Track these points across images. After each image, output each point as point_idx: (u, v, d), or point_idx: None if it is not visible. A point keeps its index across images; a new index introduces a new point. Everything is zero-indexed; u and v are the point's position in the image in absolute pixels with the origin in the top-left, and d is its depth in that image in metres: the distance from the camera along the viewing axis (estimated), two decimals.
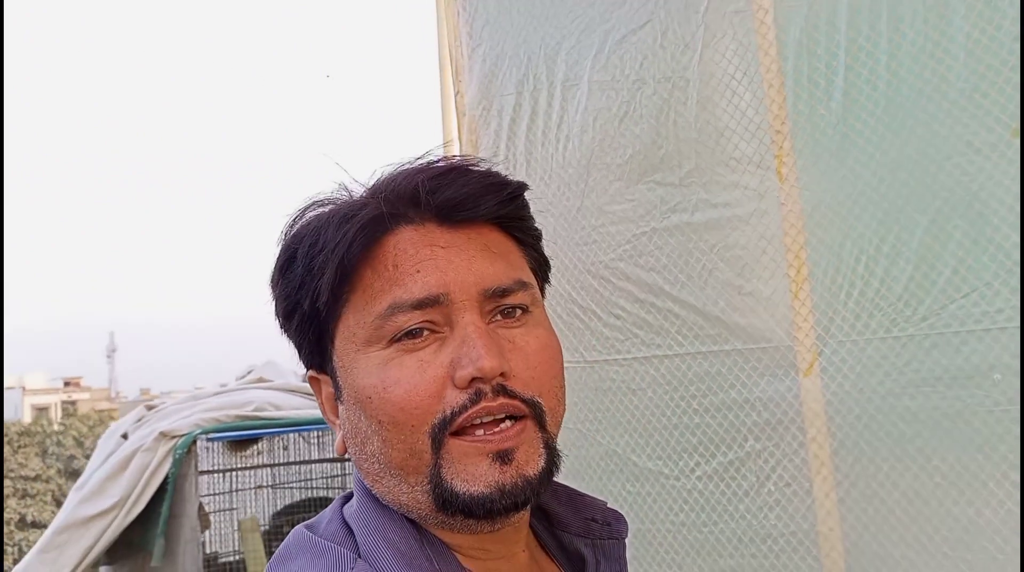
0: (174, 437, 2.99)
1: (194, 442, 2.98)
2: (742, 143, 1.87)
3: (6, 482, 23.26)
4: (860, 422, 1.81)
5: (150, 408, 3.36)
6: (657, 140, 1.95)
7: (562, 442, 2.22)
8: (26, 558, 2.98)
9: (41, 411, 39.45)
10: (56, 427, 28.81)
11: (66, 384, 47.42)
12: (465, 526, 0.76)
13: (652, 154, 1.96)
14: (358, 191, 0.82)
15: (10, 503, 22.84)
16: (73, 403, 41.43)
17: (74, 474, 26.21)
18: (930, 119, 1.69)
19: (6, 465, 23.76)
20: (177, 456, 2.95)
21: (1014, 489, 1.65)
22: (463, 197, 0.78)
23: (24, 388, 43.97)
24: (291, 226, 0.82)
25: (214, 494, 3.04)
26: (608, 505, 0.93)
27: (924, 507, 1.75)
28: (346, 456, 0.84)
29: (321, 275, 0.76)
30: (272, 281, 0.83)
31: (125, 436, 3.17)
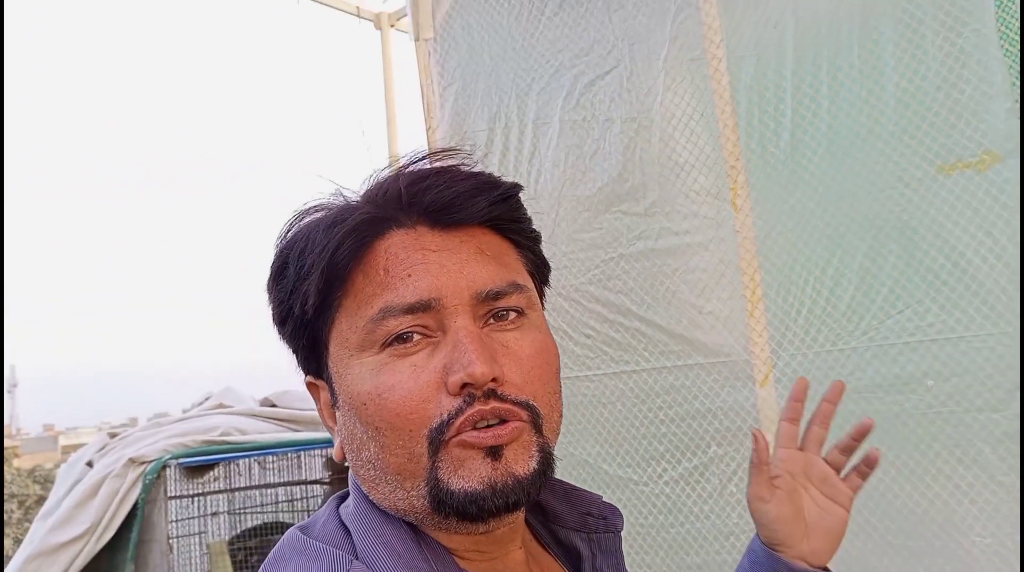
0: (143, 463, 3.02)
1: (164, 467, 3.01)
2: (700, 177, 2.05)
3: None
4: None
5: (112, 436, 3.35)
6: (623, 174, 2.12)
7: None
8: None
9: None
10: None
11: None
12: (460, 528, 0.75)
13: (619, 186, 2.13)
14: (353, 197, 0.81)
15: None
16: None
17: None
18: (866, 157, 1.89)
19: None
20: (147, 481, 2.96)
21: (948, 483, 1.84)
22: (452, 199, 0.76)
23: None
24: (286, 232, 0.81)
25: (182, 520, 3.07)
26: (603, 500, 0.92)
27: (869, 501, 1.92)
28: (344, 463, 0.82)
29: (308, 278, 0.74)
30: (268, 286, 0.82)
31: (90, 464, 3.17)
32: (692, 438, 2.11)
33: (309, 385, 0.84)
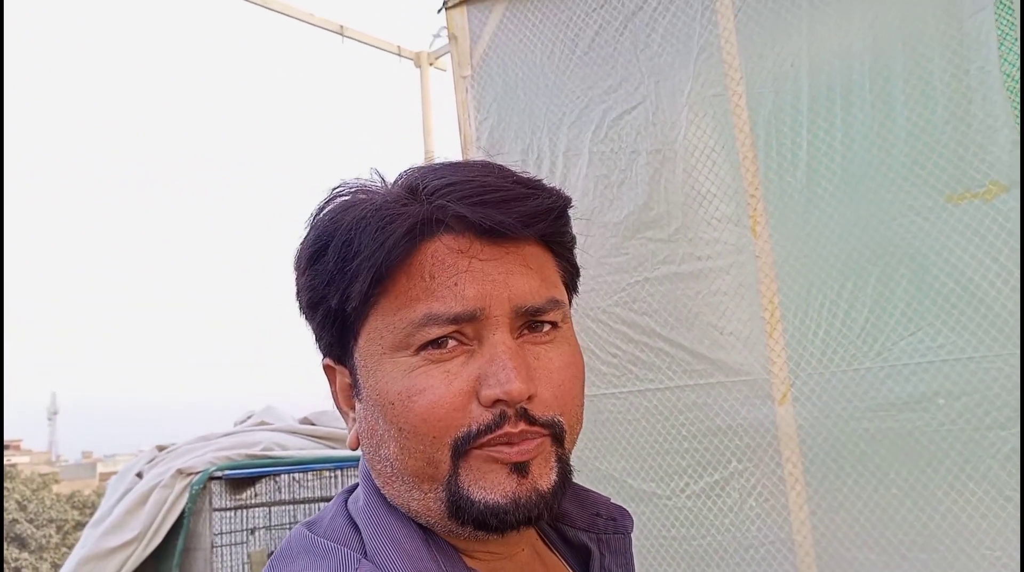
0: (190, 474, 3.18)
1: (210, 479, 3.16)
2: (721, 205, 2.17)
3: None
4: (827, 443, 2.04)
5: (161, 449, 3.53)
6: (649, 202, 2.24)
7: None
8: None
9: None
10: None
11: (5, 447, 45.80)
12: (474, 535, 0.75)
13: (645, 214, 2.25)
14: (390, 183, 0.79)
15: None
16: (13, 466, 40.02)
17: (16, 539, 25.28)
18: (878, 187, 2.00)
19: None
20: (193, 492, 3.12)
21: (959, 497, 1.92)
22: (517, 220, 0.74)
23: None
24: (321, 210, 0.78)
25: (225, 532, 3.21)
26: (612, 501, 0.93)
27: (883, 515, 1.99)
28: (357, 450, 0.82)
29: (354, 280, 0.73)
30: (298, 266, 0.79)
31: (140, 475, 3.34)
32: (713, 454, 2.20)
33: (326, 367, 0.82)
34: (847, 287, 2.03)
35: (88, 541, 3.18)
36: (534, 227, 0.75)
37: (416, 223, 0.73)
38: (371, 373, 0.75)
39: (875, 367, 2.00)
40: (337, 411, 0.85)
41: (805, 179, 2.08)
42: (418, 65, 4.75)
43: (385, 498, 0.78)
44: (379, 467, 0.76)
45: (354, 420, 0.80)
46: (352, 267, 0.73)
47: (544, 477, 0.74)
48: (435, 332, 0.72)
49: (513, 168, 0.80)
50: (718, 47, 2.18)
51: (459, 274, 0.73)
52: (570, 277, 0.84)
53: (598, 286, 2.32)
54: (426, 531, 0.76)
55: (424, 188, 0.75)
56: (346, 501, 0.82)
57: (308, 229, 0.79)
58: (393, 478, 0.75)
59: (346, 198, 0.78)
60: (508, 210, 0.74)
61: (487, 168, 0.78)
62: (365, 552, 0.74)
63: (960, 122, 1.90)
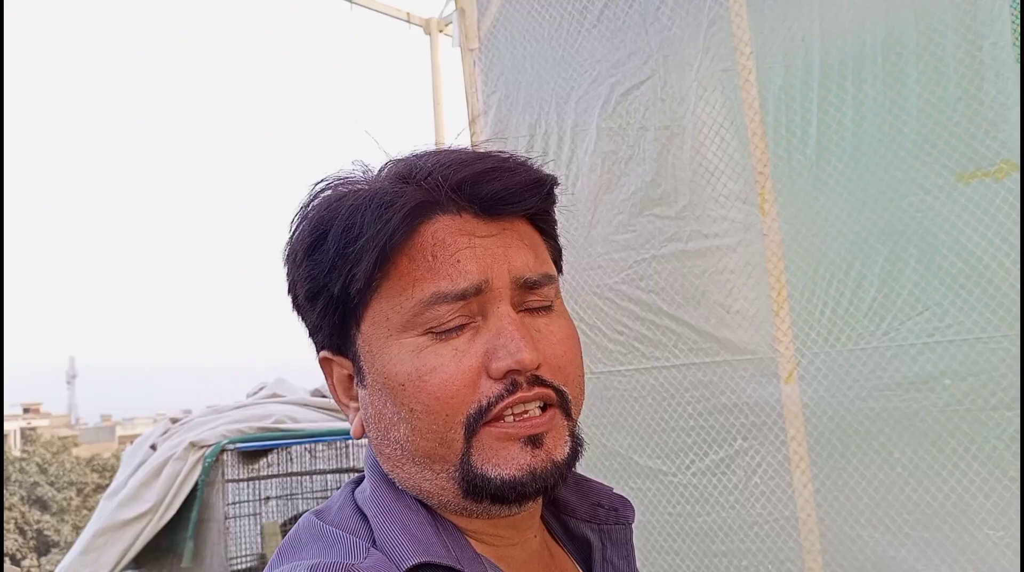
0: (202, 447, 3.22)
1: (222, 451, 3.20)
2: (730, 182, 2.15)
3: None
4: (833, 422, 2.05)
5: (174, 421, 3.57)
6: (656, 179, 2.23)
7: None
8: (67, 558, 3.17)
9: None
10: (18, 453, 28.26)
11: (25, 410, 46.47)
12: (489, 511, 0.76)
13: (652, 191, 2.24)
14: (373, 172, 0.80)
15: None
16: (33, 429, 40.69)
17: (37, 501, 25.75)
18: (888, 165, 1.98)
19: None
20: (206, 464, 3.16)
21: (963, 477, 1.92)
22: (509, 193, 0.76)
23: None
24: (311, 203, 0.79)
25: (238, 502, 3.26)
26: (614, 491, 0.93)
27: (888, 494, 2.00)
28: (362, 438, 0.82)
29: (358, 262, 0.73)
30: (292, 260, 0.79)
31: (154, 447, 3.38)
32: (719, 432, 2.21)
33: (323, 361, 0.82)
34: (855, 266, 2.02)
35: (103, 513, 3.24)
36: (528, 199, 0.77)
37: (416, 204, 0.74)
38: (377, 357, 0.75)
39: (882, 346, 2.00)
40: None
41: (815, 156, 2.06)
42: (427, 32, 4.69)
43: (393, 486, 0.78)
44: (388, 451, 0.77)
45: (355, 409, 0.80)
46: (355, 249, 0.73)
47: (559, 448, 0.75)
48: (443, 310, 0.73)
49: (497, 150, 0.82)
50: (728, 21, 2.14)
51: (459, 251, 0.74)
52: (558, 256, 0.86)
53: (605, 263, 2.31)
54: (435, 517, 0.77)
55: (416, 173, 0.77)
56: (353, 491, 0.82)
57: (300, 222, 0.79)
58: (404, 461, 0.76)
59: (337, 190, 0.78)
60: (502, 184, 0.76)
61: (472, 151, 0.80)
62: (374, 540, 0.74)
63: (972, 99, 1.87)
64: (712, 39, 2.17)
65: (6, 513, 23.26)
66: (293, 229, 0.79)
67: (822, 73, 2.04)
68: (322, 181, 0.80)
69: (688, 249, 2.21)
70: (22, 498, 24.20)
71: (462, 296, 0.73)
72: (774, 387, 2.14)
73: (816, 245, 2.07)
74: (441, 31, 4.70)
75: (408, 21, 4.73)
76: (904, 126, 1.95)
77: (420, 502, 0.77)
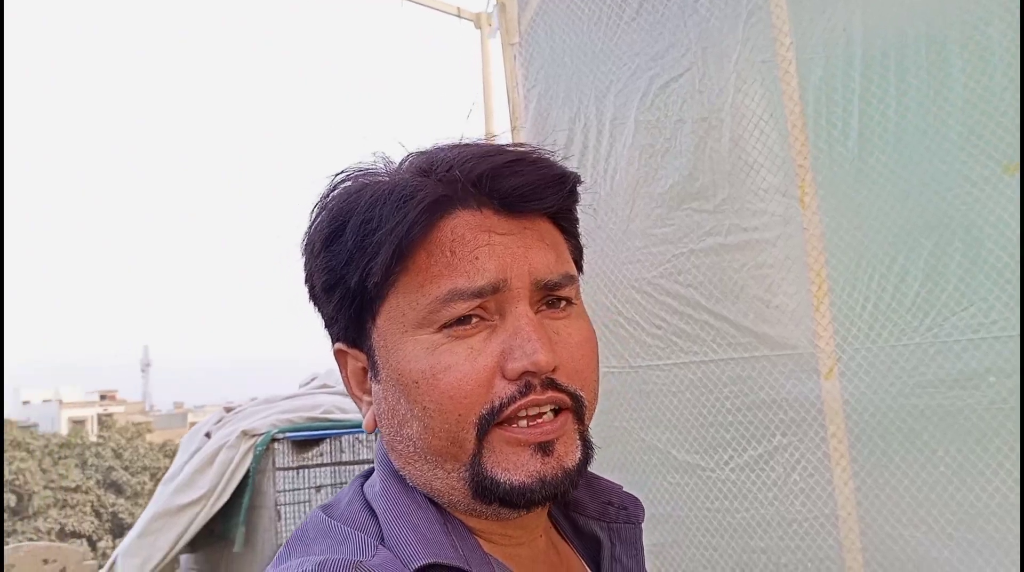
0: (254, 436, 3.32)
1: (273, 440, 3.29)
2: (769, 175, 2.12)
3: (46, 493, 23.71)
4: (874, 419, 2.02)
5: (228, 410, 3.68)
6: (694, 172, 2.21)
7: (608, 438, 2.47)
8: (125, 541, 3.31)
9: (78, 424, 40.04)
10: (94, 439, 29.30)
11: (102, 397, 48.12)
12: (498, 513, 0.75)
13: (690, 184, 2.22)
14: (395, 164, 0.79)
15: (51, 513, 23.27)
16: (109, 416, 42.10)
17: (113, 485, 26.68)
18: (933, 156, 1.93)
19: (46, 476, 24.23)
20: (257, 453, 3.25)
21: (1008, 477, 1.87)
22: (531, 189, 0.75)
23: (61, 401, 44.67)
24: (331, 194, 0.78)
25: (289, 490, 3.35)
26: (624, 489, 0.92)
27: (931, 493, 1.95)
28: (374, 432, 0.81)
29: (375, 255, 0.72)
30: (310, 251, 0.78)
31: (208, 435, 3.49)
32: (757, 427, 2.19)
33: (337, 353, 0.81)
34: (898, 260, 1.98)
35: (160, 498, 3.36)
36: (550, 196, 0.76)
37: (435, 198, 0.73)
38: (391, 353, 0.74)
39: (925, 342, 1.96)
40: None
41: (856, 149, 2.02)
42: (478, 26, 4.72)
43: (403, 482, 0.77)
44: (400, 447, 0.76)
45: (368, 403, 0.80)
46: (373, 242, 0.72)
47: (569, 455, 0.74)
48: (460, 307, 0.72)
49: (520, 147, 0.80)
50: (767, 11, 2.11)
51: (479, 248, 0.73)
52: (579, 255, 0.84)
53: (643, 257, 2.31)
54: (444, 515, 0.76)
55: (437, 166, 0.75)
56: (362, 485, 0.81)
57: (319, 212, 0.78)
58: (415, 458, 0.75)
59: (357, 181, 0.78)
60: (523, 179, 0.74)
61: (495, 145, 0.78)
62: (382, 537, 0.73)
63: (1019, 89, 1.81)
64: (751, 30, 2.14)
65: (82, 496, 24.15)
66: (312, 219, 0.78)
67: (864, 63, 1.99)
68: (342, 172, 0.79)
69: (727, 243, 2.18)
70: (98, 482, 25.07)
71: (479, 294, 0.72)
72: (814, 383, 2.11)
73: (858, 239, 2.03)
74: (491, 25, 4.74)
75: (459, 15, 4.76)
76: (948, 117, 1.90)
77: (429, 500, 0.76)
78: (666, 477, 2.30)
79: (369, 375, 0.78)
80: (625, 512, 0.89)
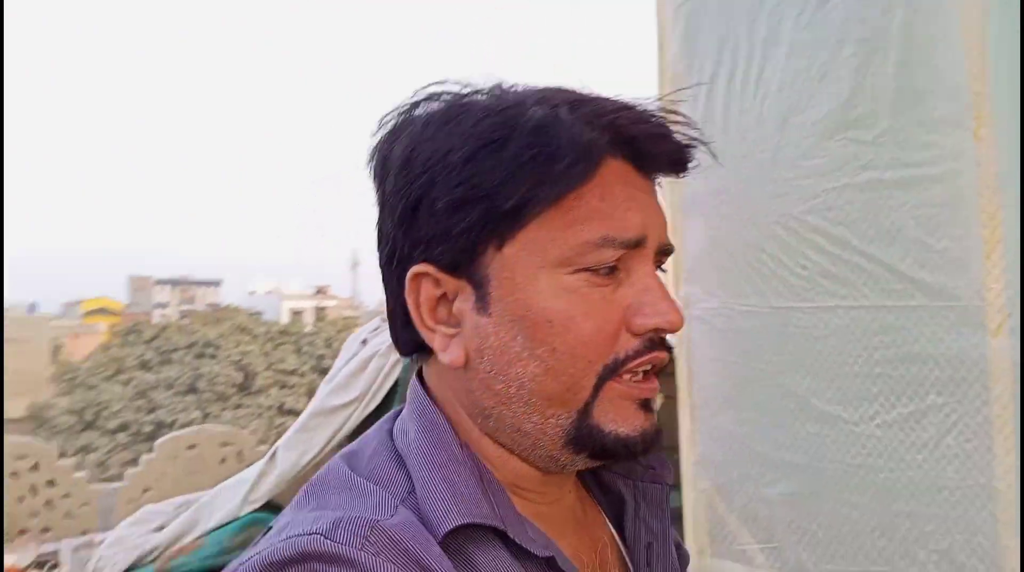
0: None
1: None
2: (939, 104, 1.86)
3: (268, 373, 26.14)
4: None
5: (384, 319, 3.83)
6: (852, 99, 1.97)
7: (745, 378, 2.34)
8: (286, 436, 3.59)
9: (296, 314, 43.61)
10: (309, 328, 31.86)
11: (318, 291, 51.99)
12: (573, 464, 0.76)
13: (847, 112, 1.99)
14: (527, 95, 0.75)
15: (271, 392, 25.67)
16: (323, 309, 45.49)
17: (324, 371, 28.87)
18: None
19: (268, 359, 26.68)
20: (405, 363, 3.40)
21: None
22: (677, 158, 0.76)
23: (282, 293, 48.83)
24: (464, 103, 0.74)
25: None
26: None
27: None
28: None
29: (541, 181, 0.70)
30: (439, 161, 0.72)
31: (365, 342, 3.68)
32: (910, 383, 1.99)
33: (416, 275, 0.75)
34: None
35: (319, 396, 3.60)
36: (684, 168, 0.78)
37: (608, 140, 0.73)
38: (520, 287, 0.72)
39: None
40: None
41: None
42: None
43: (441, 430, 0.75)
44: (499, 387, 0.73)
45: (446, 335, 0.75)
46: (544, 167, 0.70)
47: (655, 415, 0.77)
48: (608, 254, 0.72)
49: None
50: None
51: (629, 200, 0.73)
52: None
53: (790, 190, 2.12)
54: (481, 471, 0.75)
55: (596, 111, 0.73)
56: (391, 431, 0.79)
57: (461, 119, 0.73)
58: (514, 399, 0.73)
59: (502, 99, 0.74)
60: (672, 147, 0.75)
61: (642, 103, 0.76)
62: (411, 490, 0.71)
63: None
64: None
65: (299, 379, 26.40)
66: (424, 129, 0.74)
67: None
68: (469, 85, 0.76)
69: (885, 178, 1.96)
70: (312, 367, 27.27)
71: (626, 245, 0.72)
72: (979, 339, 1.88)
73: None
74: None
75: None
76: None
77: (468, 452, 0.75)
78: (804, 426, 2.16)
79: (472, 306, 0.74)
80: (652, 471, 0.89)
